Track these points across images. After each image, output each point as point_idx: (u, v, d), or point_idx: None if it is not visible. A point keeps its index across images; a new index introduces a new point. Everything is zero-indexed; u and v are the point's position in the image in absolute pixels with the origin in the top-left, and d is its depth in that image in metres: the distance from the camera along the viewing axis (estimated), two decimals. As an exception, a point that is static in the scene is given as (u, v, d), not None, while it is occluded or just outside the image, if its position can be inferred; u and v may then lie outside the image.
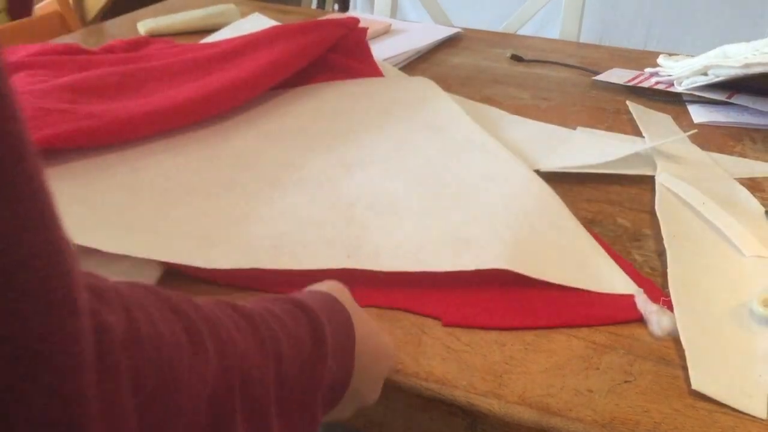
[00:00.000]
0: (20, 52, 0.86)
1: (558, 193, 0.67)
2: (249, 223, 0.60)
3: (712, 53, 0.99)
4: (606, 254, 0.60)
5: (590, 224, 0.66)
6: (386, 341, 0.48)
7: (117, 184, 0.64)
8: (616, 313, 0.54)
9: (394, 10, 1.61)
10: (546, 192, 0.67)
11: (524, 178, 0.70)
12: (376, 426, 0.51)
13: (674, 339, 0.52)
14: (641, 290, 0.55)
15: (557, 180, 0.72)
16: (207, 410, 0.29)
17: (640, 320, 0.54)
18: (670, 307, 0.54)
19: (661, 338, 0.52)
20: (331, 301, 0.42)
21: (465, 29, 1.25)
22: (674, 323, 0.52)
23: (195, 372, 0.29)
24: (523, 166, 0.72)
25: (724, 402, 0.46)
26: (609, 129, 0.87)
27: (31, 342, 0.21)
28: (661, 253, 0.61)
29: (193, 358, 0.29)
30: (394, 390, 0.48)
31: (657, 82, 1.00)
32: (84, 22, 1.58)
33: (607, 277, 0.58)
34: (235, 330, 0.32)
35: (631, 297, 0.55)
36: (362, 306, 0.46)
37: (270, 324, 0.35)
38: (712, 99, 0.95)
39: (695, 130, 0.85)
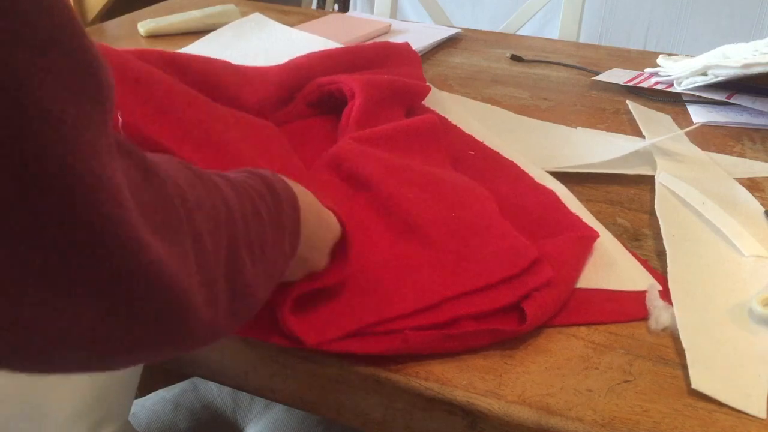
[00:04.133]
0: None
1: (558, 193, 0.68)
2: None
3: (711, 53, 1.00)
4: (625, 251, 0.62)
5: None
6: (329, 214, 0.51)
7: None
8: (628, 309, 0.55)
9: (394, 11, 1.61)
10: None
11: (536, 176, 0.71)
12: (376, 426, 0.51)
13: (674, 339, 0.52)
14: (657, 284, 0.56)
15: (557, 180, 0.72)
16: (226, 243, 0.35)
17: (645, 317, 0.54)
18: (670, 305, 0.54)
19: (656, 332, 0.52)
20: (276, 176, 0.46)
21: (465, 29, 1.25)
22: (673, 319, 0.53)
23: (217, 207, 0.35)
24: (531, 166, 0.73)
25: (723, 401, 0.46)
26: (609, 129, 0.87)
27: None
28: (661, 253, 0.62)
29: (213, 197, 0.35)
30: (394, 390, 0.48)
31: (657, 82, 1.00)
32: (84, 22, 1.58)
33: (628, 273, 0.59)
34: (225, 186, 0.38)
35: (641, 294, 0.56)
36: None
37: (239, 181, 0.41)
38: (711, 99, 0.95)
39: (695, 125, 0.85)
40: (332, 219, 0.51)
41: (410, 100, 0.84)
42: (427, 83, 0.89)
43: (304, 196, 0.48)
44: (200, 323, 0.31)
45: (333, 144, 0.71)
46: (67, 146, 0.24)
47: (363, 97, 0.77)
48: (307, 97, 0.82)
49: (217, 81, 0.78)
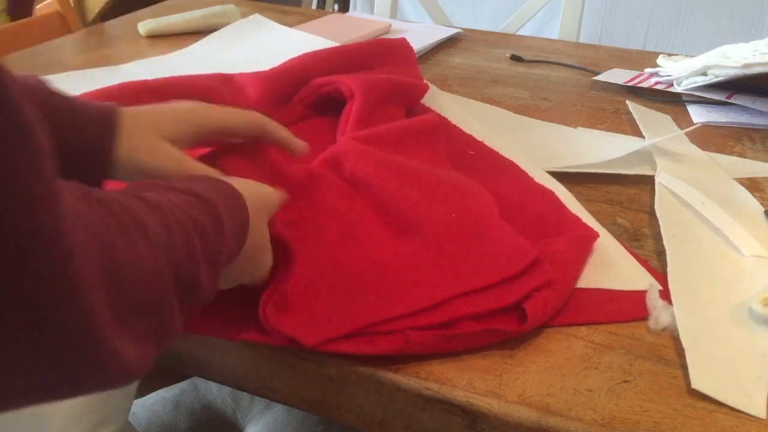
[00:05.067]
0: None
1: (558, 193, 0.68)
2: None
3: (711, 53, 1.00)
4: (625, 251, 0.62)
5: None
6: (267, 249, 0.50)
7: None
8: (628, 309, 0.55)
9: (394, 11, 1.61)
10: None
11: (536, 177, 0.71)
12: (376, 426, 0.51)
13: (674, 339, 0.52)
14: (657, 284, 0.56)
15: (557, 180, 0.72)
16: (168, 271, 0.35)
17: (645, 317, 0.54)
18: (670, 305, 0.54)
19: (656, 332, 0.52)
20: (226, 188, 0.45)
21: (465, 29, 1.25)
22: (673, 319, 0.53)
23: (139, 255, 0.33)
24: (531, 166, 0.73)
25: (723, 401, 0.46)
26: (609, 129, 0.88)
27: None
28: (661, 253, 0.62)
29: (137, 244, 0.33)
30: (394, 390, 0.48)
31: (656, 83, 1.00)
32: (84, 22, 1.58)
33: (628, 273, 0.59)
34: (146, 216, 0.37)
35: (641, 294, 0.56)
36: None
37: (172, 209, 0.39)
38: (711, 99, 0.95)
39: (695, 125, 0.85)
40: (268, 254, 0.50)
41: (409, 99, 0.84)
42: (427, 82, 0.89)
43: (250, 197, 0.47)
44: (114, 359, 0.30)
45: (331, 145, 0.71)
46: None
47: (362, 97, 0.77)
48: (305, 98, 0.82)
49: (209, 94, 0.78)
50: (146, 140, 0.51)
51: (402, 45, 0.96)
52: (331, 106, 0.81)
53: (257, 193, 0.49)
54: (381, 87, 0.80)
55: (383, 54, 0.92)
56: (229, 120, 0.56)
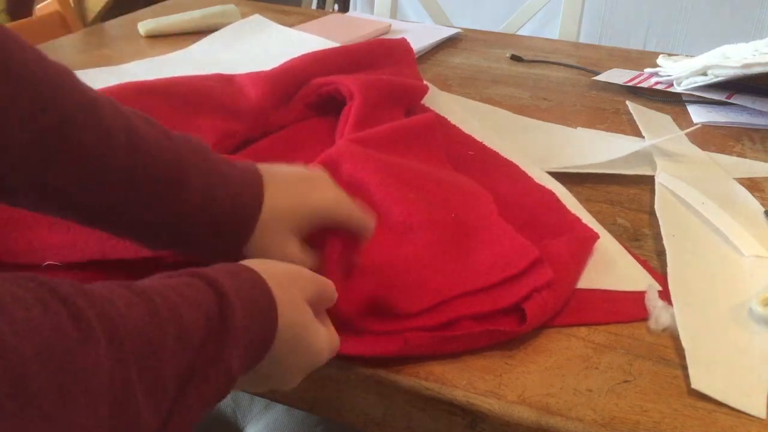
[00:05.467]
0: None
1: (558, 193, 0.68)
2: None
3: (711, 53, 1.00)
4: (625, 251, 0.62)
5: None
6: (318, 342, 0.44)
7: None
8: (628, 309, 0.55)
9: (394, 11, 1.61)
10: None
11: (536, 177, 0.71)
12: (376, 426, 0.51)
13: (674, 339, 0.52)
14: (656, 284, 0.56)
15: (557, 180, 0.72)
16: (106, 395, 0.29)
17: (645, 318, 0.54)
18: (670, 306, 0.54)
19: (656, 332, 0.52)
20: (250, 279, 0.41)
21: (465, 29, 1.25)
22: (673, 319, 0.53)
23: (87, 362, 0.29)
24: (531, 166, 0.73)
25: (723, 401, 0.46)
26: (609, 129, 0.87)
27: None
28: (661, 253, 0.62)
29: (83, 344, 0.29)
30: (394, 390, 0.48)
31: (656, 83, 1.00)
32: (84, 22, 1.59)
33: (628, 274, 0.59)
34: (126, 308, 0.32)
35: (640, 294, 0.56)
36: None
37: (167, 296, 0.35)
38: (711, 99, 0.95)
39: (696, 126, 0.85)
40: (319, 347, 0.44)
41: (409, 100, 0.84)
42: (427, 83, 0.89)
43: (293, 314, 0.42)
44: None
45: (331, 145, 0.71)
46: None
47: (361, 98, 0.77)
48: (305, 98, 0.82)
49: (209, 93, 0.78)
50: (276, 238, 0.49)
51: (402, 45, 0.96)
52: (331, 106, 0.81)
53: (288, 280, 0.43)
54: (380, 88, 0.80)
55: (383, 54, 0.92)
56: (351, 221, 0.52)
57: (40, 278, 0.30)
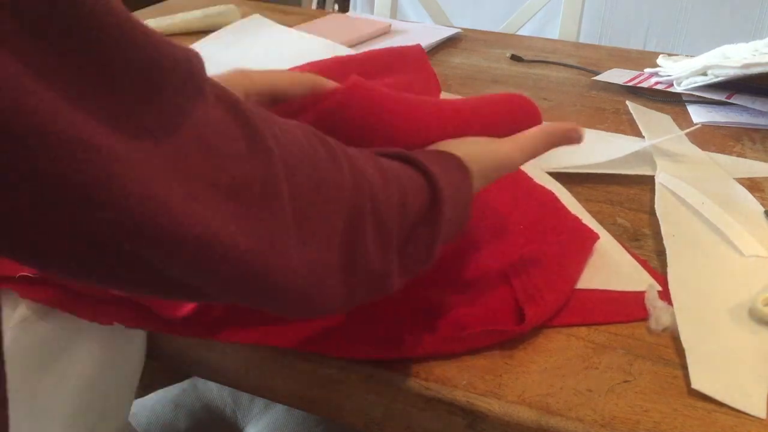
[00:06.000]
0: None
1: (558, 193, 0.68)
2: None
3: (711, 53, 1.00)
4: (625, 251, 0.62)
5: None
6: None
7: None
8: (628, 309, 0.55)
9: (394, 11, 1.61)
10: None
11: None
12: (376, 426, 0.51)
13: (674, 339, 0.52)
14: (656, 284, 0.56)
15: (557, 180, 0.72)
16: (344, 215, 0.34)
17: (645, 318, 0.54)
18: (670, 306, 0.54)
19: (656, 332, 0.52)
20: (456, 167, 0.46)
21: (465, 29, 1.25)
22: (673, 319, 0.53)
23: (333, 178, 0.34)
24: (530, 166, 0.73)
25: (723, 401, 0.46)
26: (609, 129, 0.87)
27: None
28: (661, 253, 0.62)
29: (332, 167, 0.34)
30: (394, 390, 0.48)
31: (656, 83, 1.00)
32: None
33: (628, 274, 0.59)
34: (363, 162, 0.37)
35: (640, 294, 0.56)
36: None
37: (391, 167, 0.40)
38: (711, 99, 0.95)
39: (696, 126, 0.85)
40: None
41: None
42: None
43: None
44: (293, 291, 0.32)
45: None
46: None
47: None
48: (317, 105, 0.81)
49: None
50: None
51: (416, 52, 0.95)
52: None
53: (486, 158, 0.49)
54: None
55: (397, 62, 0.91)
56: (276, 81, 0.52)
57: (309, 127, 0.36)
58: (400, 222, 0.39)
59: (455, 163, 0.46)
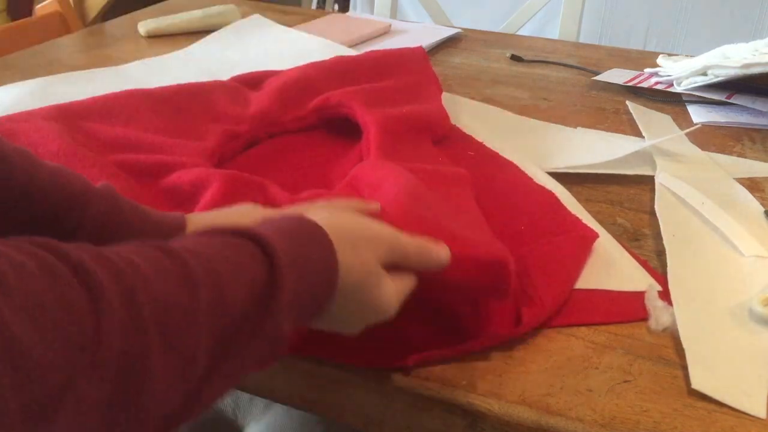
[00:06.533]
0: None
1: (558, 193, 0.68)
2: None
3: (711, 53, 1.00)
4: (625, 251, 0.62)
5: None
6: (384, 301, 0.42)
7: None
8: (628, 309, 0.55)
9: (394, 11, 1.61)
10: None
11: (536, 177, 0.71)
12: (376, 425, 0.51)
13: (674, 339, 0.52)
14: (656, 284, 0.56)
15: (557, 180, 0.72)
16: (116, 344, 0.27)
17: (645, 318, 0.54)
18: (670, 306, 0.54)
19: (656, 332, 0.52)
20: (308, 235, 0.38)
21: (465, 29, 1.25)
22: (673, 319, 0.53)
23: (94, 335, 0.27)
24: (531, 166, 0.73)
25: (723, 401, 0.46)
26: (609, 129, 0.87)
27: None
28: (661, 253, 0.62)
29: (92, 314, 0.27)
30: (394, 390, 0.48)
31: (656, 82, 1.00)
32: (84, 22, 1.58)
33: (628, 274, 0.59)
34: (152, 270, 0.30)
35: (640, 294, 0.56)
36: None
37: (206, 257, 0.33)
38: (711, 99, 0.95)
39: (696, 126, 0.85)
40: (386, 304, 0.42)
41: (433, 131, 0.79)
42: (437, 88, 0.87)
43: (355, 268, 0.39)
44: None
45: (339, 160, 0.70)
46: None
47: (377, 129, 0.73)
48: (319, 111, 0.81)
49: (208, 100, 0.78)
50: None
51: (417, 53, 0.95)
52: (343, 123, 0.80)
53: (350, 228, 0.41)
54: (399, 120, 0.76)
55: (398, 63, 0.91)
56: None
57: (47, 241, 0.28)
58: (211, 330, 0.31)
59: (307, 227, 0.39)
